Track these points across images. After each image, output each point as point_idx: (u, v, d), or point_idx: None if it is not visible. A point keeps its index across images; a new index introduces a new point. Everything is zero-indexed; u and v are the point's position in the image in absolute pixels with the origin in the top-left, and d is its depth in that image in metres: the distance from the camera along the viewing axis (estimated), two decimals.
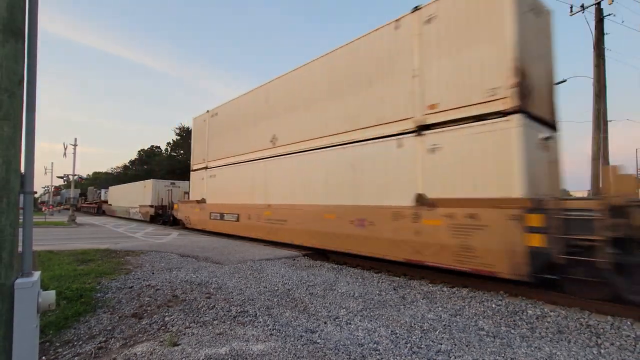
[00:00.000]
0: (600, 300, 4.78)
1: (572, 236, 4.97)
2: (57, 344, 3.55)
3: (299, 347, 3.41)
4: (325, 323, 4.13)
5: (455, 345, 3.55)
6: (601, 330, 4.02)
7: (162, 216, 22.86)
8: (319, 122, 9.29)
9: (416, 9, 7.11)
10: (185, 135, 51.34)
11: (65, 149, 27.03)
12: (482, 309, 4.78)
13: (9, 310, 2.09)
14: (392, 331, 3.90)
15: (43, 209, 34.85)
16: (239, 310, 4.49)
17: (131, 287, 5.65)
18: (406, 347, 3.48)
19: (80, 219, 28.32)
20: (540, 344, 3.61)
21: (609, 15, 14.23)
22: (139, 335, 3.73)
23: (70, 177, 27.75)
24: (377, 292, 5.63)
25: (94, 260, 8.13)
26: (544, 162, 6.14)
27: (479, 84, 5.97)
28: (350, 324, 4.13)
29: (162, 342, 3.47)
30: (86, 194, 52.90)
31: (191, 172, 16.94)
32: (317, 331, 3.86)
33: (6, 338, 2.06)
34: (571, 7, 15.10)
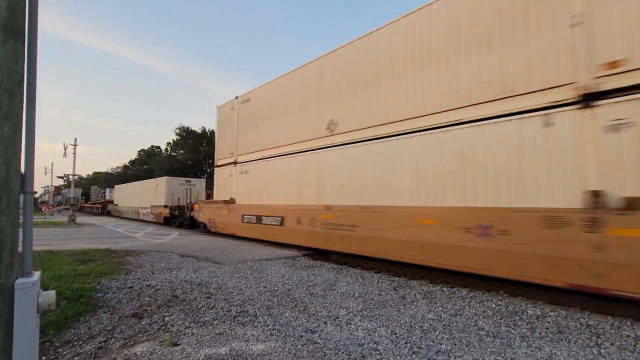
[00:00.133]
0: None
1: None
2: (57, 344, 3.55)
3: (299, 347, 3.41)
4: (325, 323, 4.13)
5: (455, 345, 3.55)
6: (601, 330, 4.02)
7: (178, 218, 20.60)
8: (402, 100, 7.28)
9: None
10: (185, 135, 51.42)
11: (65, 149, 27.02)
12: (482, 309, 4.78)
13: (9, 310, 2.09)
14: (392, 331, 3.90)
15: (43, 209, 34.82)
16: (239, 310, 4.49)
17: (131, 287, 5.65)
18: (406, 347, 3.48)
19: (82, 219, 28.32)
20: (540, 344, 3.61)
21: None
22: (139, 335, 3.73)
23: (70, 177, 27.75)
24: (377, 292, 5.63)
25: (94, 260, 8.13)
26: None
27: None
28: (350, 324, 4.13)
29: (162, 342, 3.47)
30: (89, 194, 51.27)
31: (216, 169, 14.83)
32: (317, 331, 3.86)
33: (6, 338, 2.06)
34: None
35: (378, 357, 3.24)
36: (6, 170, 2.07)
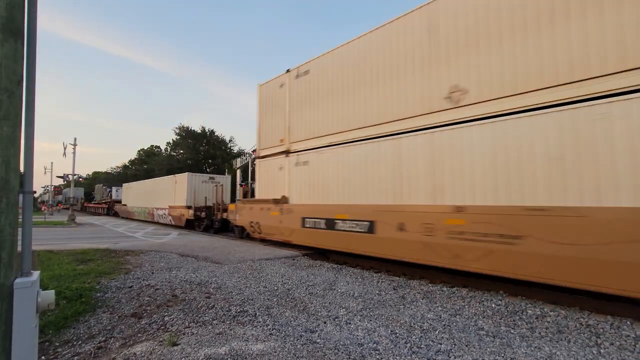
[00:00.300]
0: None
1: None
2: (57, 344, 3.55)
3: (298, 346, 3.41)
4: (324, 323, 4.13)
5: (455, 345, 3.55)
6: (601, 330, 4.03)
7: (204, 220, 17.76)
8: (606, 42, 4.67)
9: None
10: (184, 135, 51.44)
11: (65, 148, 27.03)
12: (482, 309, 4.78)
13: (9, 310, 2.09)
14: (391, 331, 3.90)
15: (42, 209, 34.77)
16: (239, 310, 4.49)
17: (131, 287, 5.65)
18: (406, 346, 3.48)
19: (83, 219, 28.32)
20: (540, 343, 3.61)
21: None
22: (139, 335, 3.73)
23: (70, 176, 27.75)
24: (377, 291, 5.63)
25: (94, 259, 8.13)
26: None
27: None
28: (349, 323, 4.13)
29: (161, 341, 3.47)
30: (92, 193, 47.04)
31: (257, 161, 11.98)
32: (317, 331, 3.86)
33: (5, 337, 2.06)
34: None
35: (378, 356, 3.24)
36: (5, 170, 2.07)
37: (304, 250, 9.51)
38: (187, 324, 4.00)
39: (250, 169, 22.57)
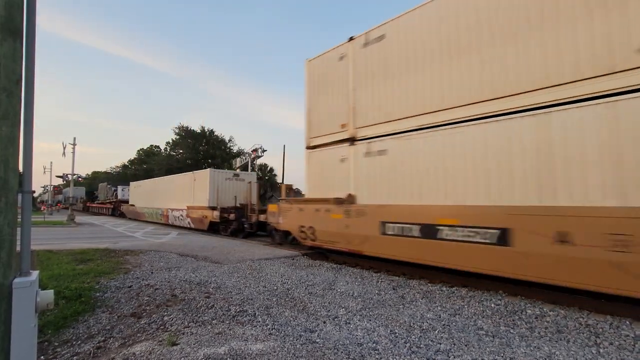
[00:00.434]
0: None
1: None
2: (56, 344, 3.55)
3: (298, 346, 3.41)
4: (324, 322, 4.13)
5: (454, 344, 3.55)
6: (600, 329, 4.03)
7: (234, 223, 15.03)
8: None
9: None
10: (184, 134, 51.46)
11: (64, 148, 27.02)
12: (481, 309, 4.78)
13: (8, 310, 2.08)
14: (391, 331, 3.90)
15: (42, 209, 34.73)
16: (238, 310, 4.49)
17: (130, 287, 5.65)
18: (405, 346, 3.48)
19: (83, 219, 28.29)
20: (540, 343, 3.61)
21: None
22: (138, 334, 3.73)
23: (70, 176, 27.73)
24: (376, 291, 5.63)
25: (93, 259, 8.12)
26: None
27: None
28: (349, 323, 4.13)
29: (161, 341, 3.46)
30: (95, 192, 44.29)
31: (307, 151, 9.69)
32: (316, 331, 3.86)
33: (5, 337, 2.06)
34: None
35: (377, 356, 3.24)
36: (4, 170, 2.06)
37: (303, 250, 9.51)
38: (186, 323, 4.00)
39: (250, 168, 22.51)
